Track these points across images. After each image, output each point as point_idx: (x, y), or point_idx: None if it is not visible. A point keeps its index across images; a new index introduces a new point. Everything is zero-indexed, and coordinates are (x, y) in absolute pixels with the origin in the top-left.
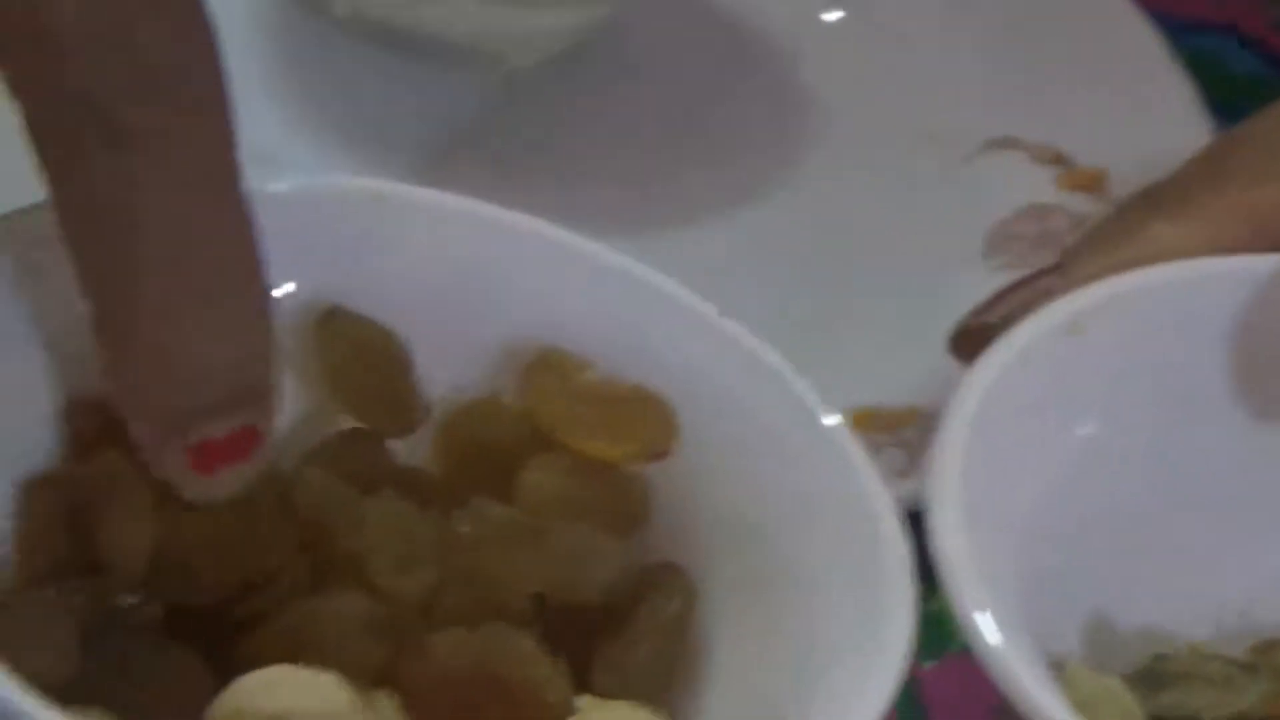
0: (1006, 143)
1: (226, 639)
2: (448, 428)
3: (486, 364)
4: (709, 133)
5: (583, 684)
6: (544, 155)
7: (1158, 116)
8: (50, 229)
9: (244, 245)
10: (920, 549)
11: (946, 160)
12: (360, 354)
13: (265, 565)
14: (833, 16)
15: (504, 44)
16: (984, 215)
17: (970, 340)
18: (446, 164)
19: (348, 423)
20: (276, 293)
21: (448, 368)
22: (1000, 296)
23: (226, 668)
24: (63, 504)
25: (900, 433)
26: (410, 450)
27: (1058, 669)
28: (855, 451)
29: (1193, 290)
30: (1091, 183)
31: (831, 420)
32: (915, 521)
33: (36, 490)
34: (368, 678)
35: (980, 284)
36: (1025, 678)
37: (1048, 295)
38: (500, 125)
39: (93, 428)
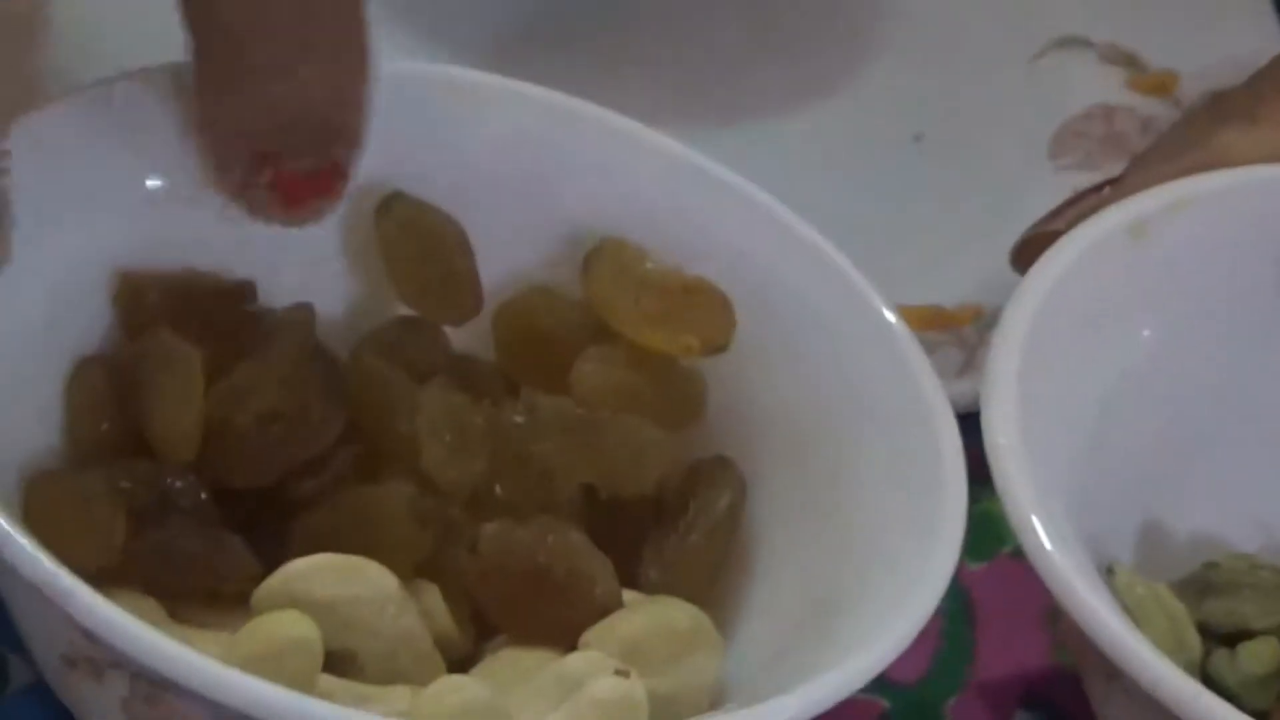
0: (1076, 41)
1: (274, 524)
2: (504, 316)
3: (546, 252)
4: (779, 29)
5: (631, 578)
6: (614, 47)
7: (1230, 22)
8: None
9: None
10: (975, 449)
11: (1015, 58)
12: (419, 241)
13: (314, 448)
14: None
15: None
16: (1051, 115)
17: (1034, 250)
18: (516, 52)
19: (405, 310)
20: None
21: (507, 255)
22: (1066, 206)
23: (273, 553)
24: (113, 383)
25: (960, 332)
26: (467, 337)
27: (1107, 573)
28: (914, 350)
29: (1259, 196)
30: (1161, 86)
31: (892, 317)
32: (972, 422)
33: (86, 369)
34: (413, 566)
35: (1046, 184)
36: (1076, 582)
37: (1115, 201)
38: (571, 14)
39: (145, 308)
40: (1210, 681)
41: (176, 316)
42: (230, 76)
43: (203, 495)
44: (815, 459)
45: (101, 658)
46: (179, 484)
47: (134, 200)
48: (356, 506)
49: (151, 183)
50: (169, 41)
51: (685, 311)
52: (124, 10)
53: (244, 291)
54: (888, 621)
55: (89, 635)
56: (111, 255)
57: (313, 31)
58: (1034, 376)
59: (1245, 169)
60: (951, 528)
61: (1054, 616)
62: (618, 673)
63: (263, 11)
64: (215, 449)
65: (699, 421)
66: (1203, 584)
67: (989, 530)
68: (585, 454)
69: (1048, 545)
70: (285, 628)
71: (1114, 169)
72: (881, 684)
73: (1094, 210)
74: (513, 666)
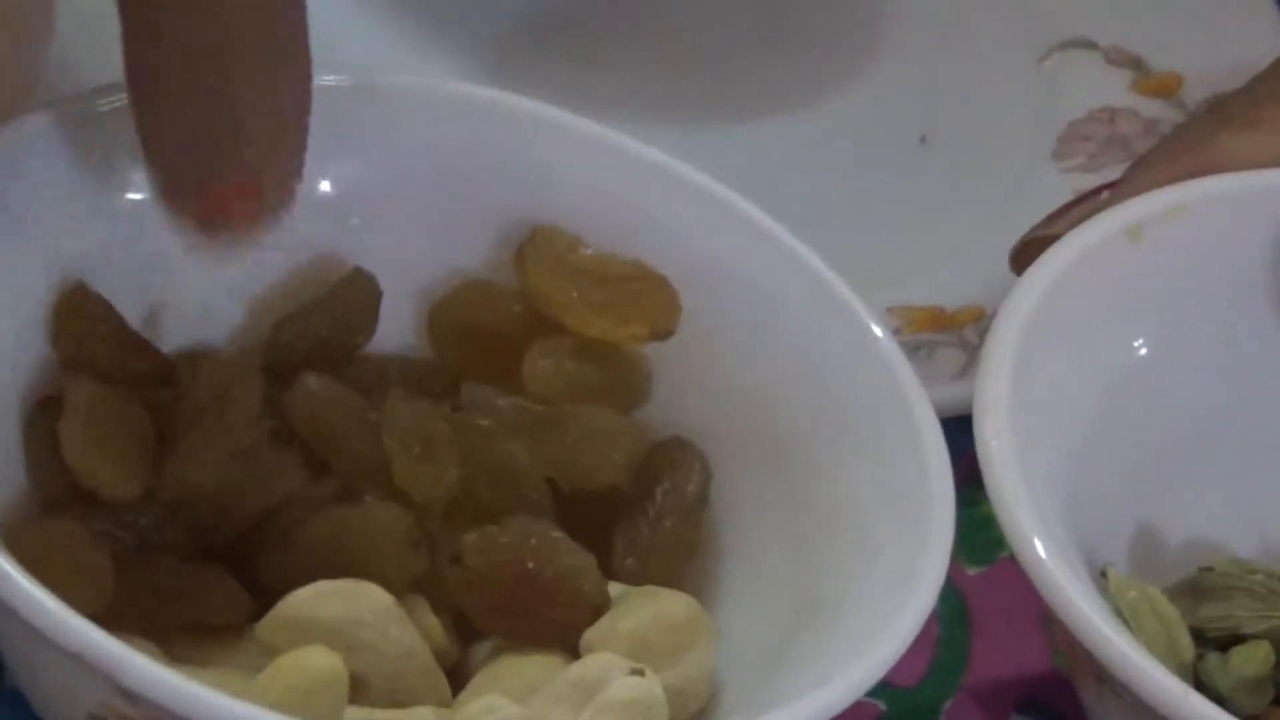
0: (1082, 43)
1: (256, 558)
2: (442, 311)
3: (483, 246)
4: (784, 29)
5: (603, 569)
6: (617, 47)
7: (1235, 24)
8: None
9: (296, 21)
10: (974, 451)
11: (1021, 59)
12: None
13: (272, 496)
14: None
15: None
16: (1056, 116)
17: (1032, 253)
18: (519, 53)
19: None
20: None
21: (439, 251)
22: (1065, 209)
23: (261, 585)
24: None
25: (960, 333)
26: (393, 335)
27: (1100, 577)
28: (878, 330)
29: (1258, 201)
30: (1166, 88)
31: (847, 295)
32: (971, 423)
33: (36, 416)
34: (406, 586)
35: (1050, 186)
36: (1065, 582)
37: (1113, 204)
38: (574, 15)
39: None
40: (1203, 686)
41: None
42: (159, 86)
43: (182, 535)
44: (783, 446)
45: (141, 715)
46: (156, 522)
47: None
48: (344, 532)
49: (130, 197)
50: None
51: (628, 298)
52: None
53: (167, 375)
54: (886, 625)
55: (131, 696)
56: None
57: (246, 38)
58: (1027, 380)
59: (1244, 174)
60: (940, 526)
61: (1049, 620)
62: (633, 672)
63: (193, 19)
64: (177, 506)
65: (648, 405)
66: (1196, 588)
67: (987, 534)
68: (552, 449)
69: (1037, 546)
70: (313, 663)
71: (1117, 171)
72: (879, 686)
73: (1093, 214)
74: (516, 674)
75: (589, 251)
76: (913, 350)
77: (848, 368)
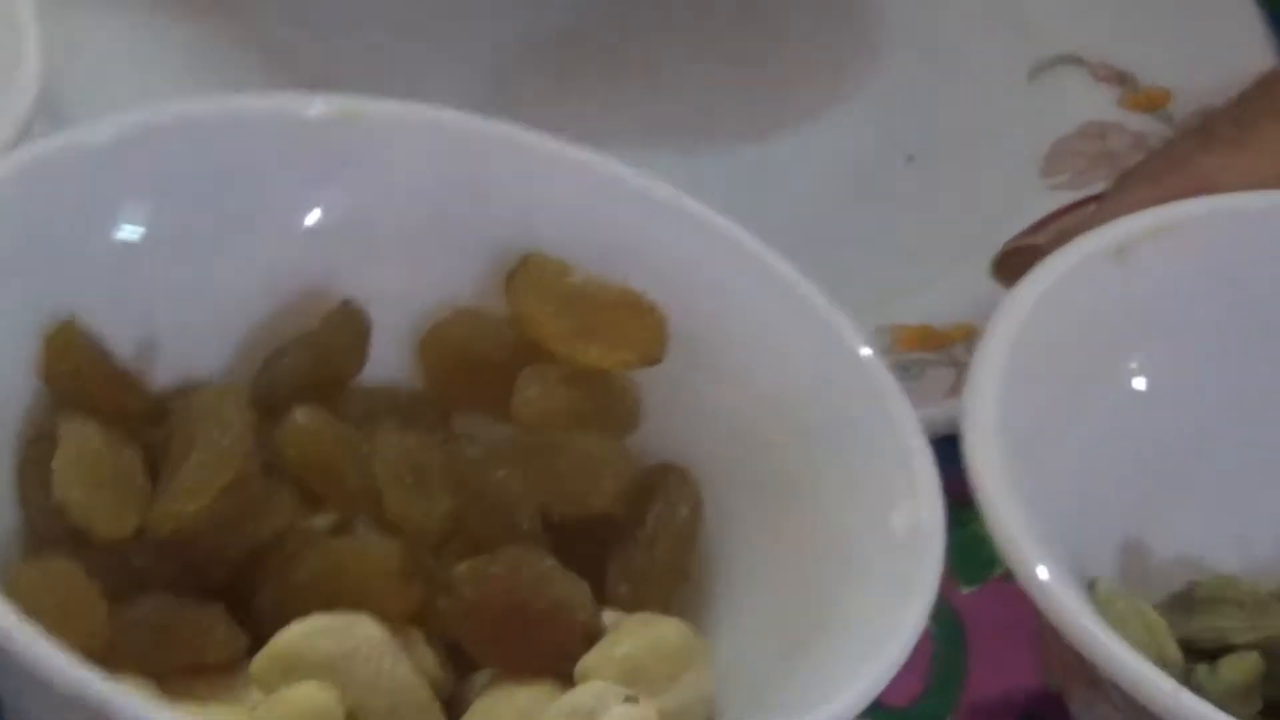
0: (1069, 59)
1: (251, 594)
2: (433, 342)
3: (472, 276)
4: (772, 51)
5: (596, 595)
6: (610, 71)
7: (1222, 37)
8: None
9: None
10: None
11: (1009, 77)
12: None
13: (265, 531)
14: None
15: None
16: (1044, 132)
17: (1016, 262)
18: (511, 77)
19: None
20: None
21: (429, 281)
22: (1049, 220)
23: (256, 621)
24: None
25: (951, 351)
26: (384, 367)
27: (1089, 588)
28: (866, 353)
29: (1242, 224)
30: (1154, 102)
31: (835, 318)
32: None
33: (28, 454)
34: (401, 619)
35: (1038, 201)
36: (1056, 589)
37: (1098, 222)
38: (570, 40)
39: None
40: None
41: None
42: None
43: (175, 572)
44: (773, 470)
45: None
46: (149, 560)
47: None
48: (338, 565)
49: (119, 235)
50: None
51: (616, 324)
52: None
53: (158, 412)
54: (878, 646)
55: None
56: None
57: None
58: (1015, 399)
59: (1230, 195)
60: (929, 548)
61: (1042, 637)
62: (628, 699)
63: None
64: (171, 544)
65: (639, 431)
66: (1186, 602)
67: (979, 553)
68: (544, 478)
69: (1035, 567)
70: (309, 699)
71: (1105, 187)
72: (874, 707)
73: (1076, 226)
74: (511, 704)
75: (578, 278)
76: (903, 370)
77: (837, 391)
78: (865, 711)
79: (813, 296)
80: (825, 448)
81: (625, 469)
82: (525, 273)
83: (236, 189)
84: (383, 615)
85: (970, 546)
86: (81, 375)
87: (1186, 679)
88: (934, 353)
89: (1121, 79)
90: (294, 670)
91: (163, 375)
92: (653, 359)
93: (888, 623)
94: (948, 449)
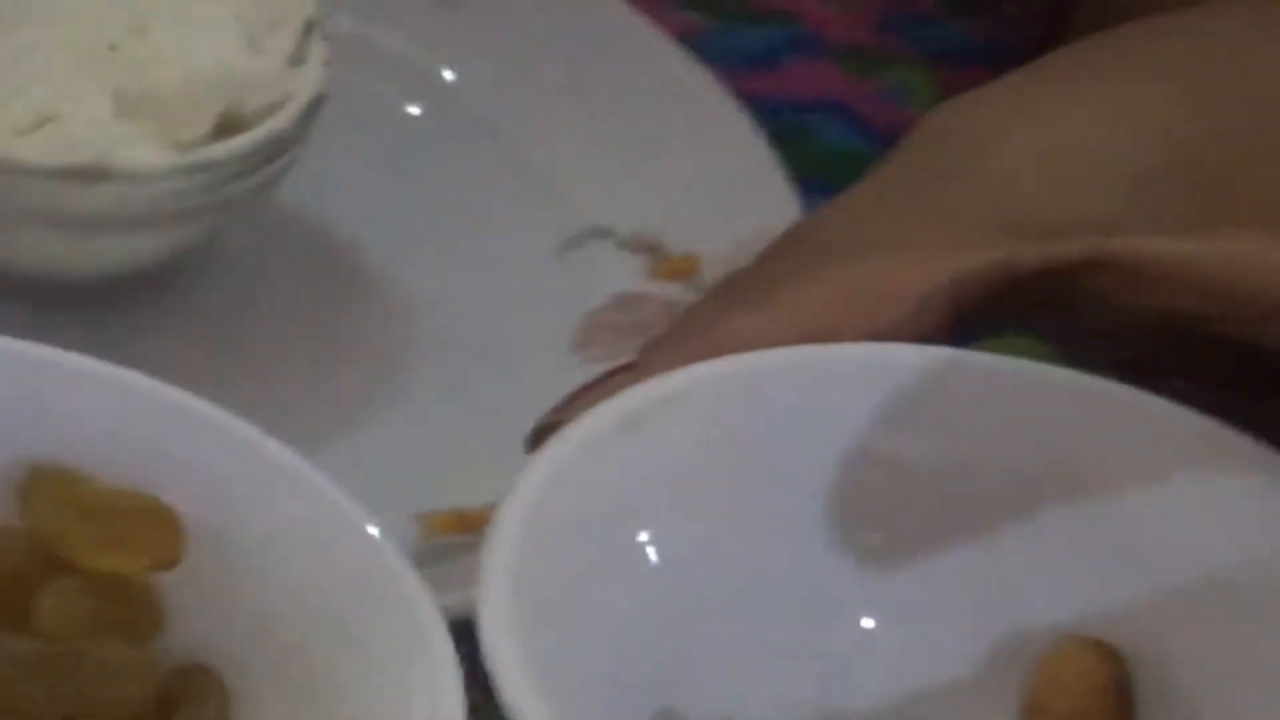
0: (599, 232)
1: None
2: None
3: None
4: None
5: None
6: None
7: (747, 199)
8: None
9: None
10: None
11: (536, 252)
12: None
13: None
14: (415, 110)
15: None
16: (574, 306)
17: (546, 439)
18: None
19: None
20: None
21: None
22: (578, 394)
23: None
24: None
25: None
26: None
27: None
28: (392, 554)
29: (746, 383)
30: (682, 271)
31: (361, 520)
32: None
33: None
34: None
35: (570, 375)
36: None
37: (616, 392)
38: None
39: None
40: None
41: None
42: None
43: None
44: (299, 666)
45: None
46: None
47: None
48: None
49: None
50: None
51: (133, 531)
52: None
53: None
54: None
55: None
56: None
57: None
58: (531, 577)
59: (739, 357)
60: None
61: None
62: None
63: None
64: None
65: (166, 635)
66: None
67: None
68: (69, 688)
69: None
70: None
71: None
72: None
73: (598, 398)
74: None
75: (94, 487)
76: (438, 555)
77: (355, 583)
78: None
79: (331, 493)
80: (346, 638)
81: (151, 673)
82: (37, 485)
83: None
84: None
85: None
86: None
87: None
88: (470, 535)
89: (651, 249)
90: None
91: None
92: (169, 562)
93: None
94: None
